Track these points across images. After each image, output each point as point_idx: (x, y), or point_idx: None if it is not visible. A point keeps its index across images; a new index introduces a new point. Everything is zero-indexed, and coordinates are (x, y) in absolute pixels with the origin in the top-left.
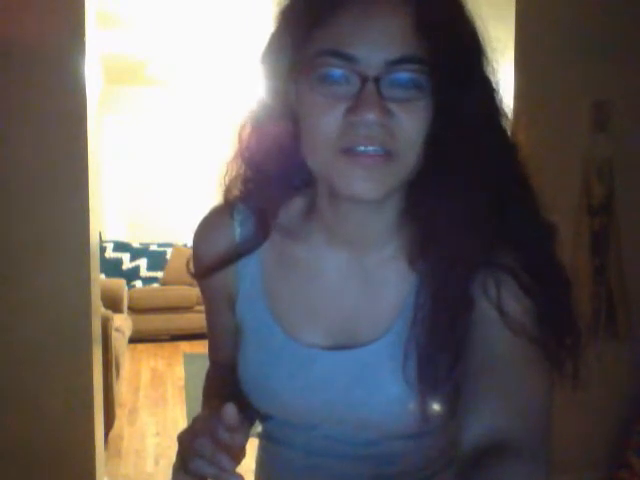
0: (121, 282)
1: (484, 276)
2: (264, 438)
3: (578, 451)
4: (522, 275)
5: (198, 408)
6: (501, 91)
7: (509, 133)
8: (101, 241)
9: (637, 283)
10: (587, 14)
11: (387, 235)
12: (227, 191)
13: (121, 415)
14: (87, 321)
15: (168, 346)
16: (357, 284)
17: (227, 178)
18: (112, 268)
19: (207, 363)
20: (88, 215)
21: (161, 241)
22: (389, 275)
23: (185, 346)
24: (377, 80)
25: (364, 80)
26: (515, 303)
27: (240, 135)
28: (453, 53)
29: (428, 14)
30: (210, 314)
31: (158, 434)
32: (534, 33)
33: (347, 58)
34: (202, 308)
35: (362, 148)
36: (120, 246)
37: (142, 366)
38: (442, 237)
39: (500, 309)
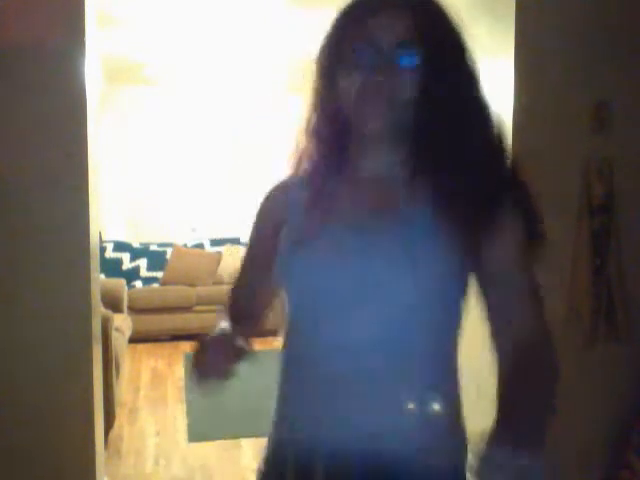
0: (121, 282)
1: (497, 196)
2: (286, 358)
3: (578, 451)
4: (519, 192)
5: (198, 408)
6: (478, 71)
7: (485, 102)
8: (101, 241)
9: (637, 283)
10: (587, 14)
11: (396, 167)
12: (289, 165)
13: (121, 415)
14: (87, 321)
15: (168, 346)
16: (375, 196)
17: (291, 156)
18: (112, 268)
19: None
20: (88, 215)
21: (161, 241)
22: (397, 191)
23: (185, 346)
24: (390, 53)
25: (380, 52)
26: (518, 212)
27: (304, 115)
28: (438, 40)
29: (421, 17)
30: (253, 244)
31: (158, 434)
32: (534, 33)
33: (373, 43)
34: (202, 308)
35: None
36: (120, 246)
37: (142, 366)
38: (447, 164)
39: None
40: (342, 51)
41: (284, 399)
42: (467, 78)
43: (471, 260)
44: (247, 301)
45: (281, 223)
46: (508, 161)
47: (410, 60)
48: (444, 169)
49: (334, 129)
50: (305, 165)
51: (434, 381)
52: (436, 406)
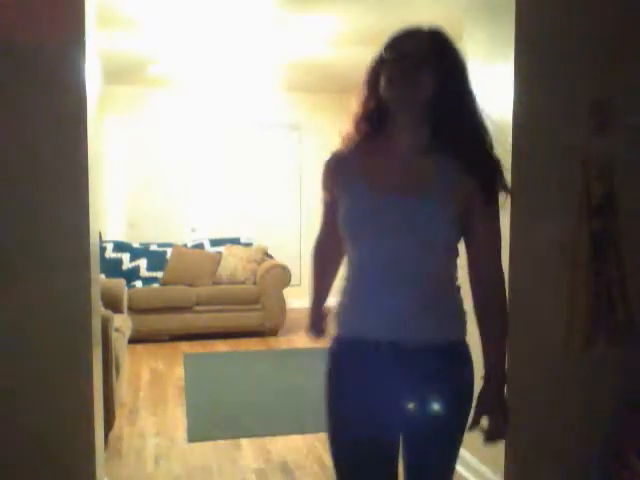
0: (121, 282)
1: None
2: (348, 277)
3: (579, 451)
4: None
5: (198, 408)
6: (470, 78)
7: (474, 96)
8: (101, 241)
9: (637, 283)
10: (587, 14)
11: (419, 140)
12: (344, 138)
13: (121, 415)
14: (87, 321)
15: (168, 346)
16: (403, 165)
17: (344, 132)
18: (112, 268)
19: (206, 363)
20: (88, 215)
21: (161, 241)
22: (421, 163)
23: (185, 346)
24: (413, 59)
25: (408, 59)
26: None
27: (353, 109)
28: (444, 56)
29: (432, 41)
30: (325, 209)
31: (158, 434)
32: (534, 33)
33: (404, 55)
34: (202, 308)
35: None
36: (120, 246)
37: (142, 366)
38: (449, 143)
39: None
40: (383, 63)
41: (345, 303)
42: (464, 82)
43: (462, 212)
44: (331, 245)
45: (339, 182)
46: (490, 140)
47: (424, 62)
48: (451, 146)
49: (374, 115)
50: (353, 142)
51: (441, 287)
52: (436, 406)
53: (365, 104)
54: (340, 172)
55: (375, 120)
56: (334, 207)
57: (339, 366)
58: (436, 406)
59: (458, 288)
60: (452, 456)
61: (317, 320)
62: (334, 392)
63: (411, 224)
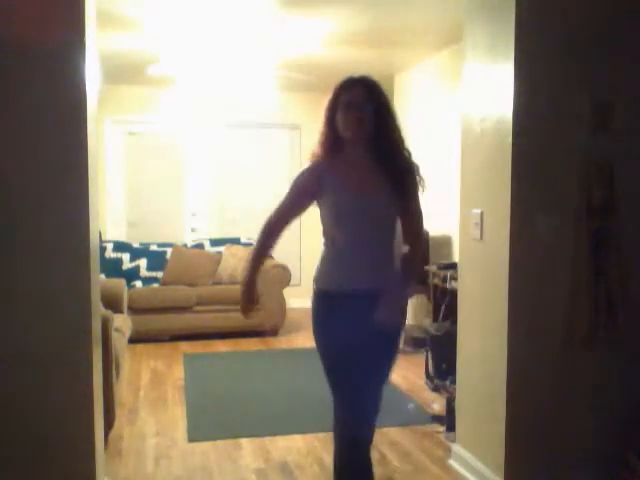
0: (121, 282)
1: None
2: (332, 250)
3: (578, 450)
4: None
5: (198, 408)
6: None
7: (399, 126)
8: (101, 241)
9: (637, 283)
10: (587, 14)
11: (366, 155)
12: (314, 155)
13: (121, 415)
14: (87, 321)
15: (168, 346)
16: (362, 175)
17: (313, 151)
18: (112, 268)
19: (206, 363)
20: (88, 215)
21: (161, 241)
22: (371, 172)
23: (185, 346)
24: (359, 103)
25: (355, 103)
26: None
27: (319, 133)
28: (378, 99)
29: (370, 89)
30: (292, 199)
31: (158, 434)
32: (534, 33)
33: (352, 99)
34: (202, 308)
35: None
36: (120, 246)
37: (142, 366)
38: (385, 157)
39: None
40: (337, 104)
41: (330, 268)
42: (390, 115)
43: (399, 200)
44: (278, 225)
45: (315, 186)
46: (409, 152)
47: (367, 107)
48: (386, 158)
49: (334, 140)
50: (320, 157)
51: (391, 252)
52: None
53: (327, 132)
54: (321, 178)
55: (335, 142)
56: (303, 201)
57: (323, 307)
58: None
59: (396, 253)
60: (392, 352)
61: (251, 287)
62: (320, 322)
63: (375, 212)
